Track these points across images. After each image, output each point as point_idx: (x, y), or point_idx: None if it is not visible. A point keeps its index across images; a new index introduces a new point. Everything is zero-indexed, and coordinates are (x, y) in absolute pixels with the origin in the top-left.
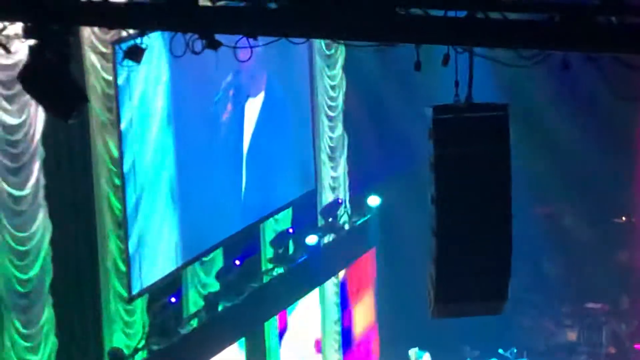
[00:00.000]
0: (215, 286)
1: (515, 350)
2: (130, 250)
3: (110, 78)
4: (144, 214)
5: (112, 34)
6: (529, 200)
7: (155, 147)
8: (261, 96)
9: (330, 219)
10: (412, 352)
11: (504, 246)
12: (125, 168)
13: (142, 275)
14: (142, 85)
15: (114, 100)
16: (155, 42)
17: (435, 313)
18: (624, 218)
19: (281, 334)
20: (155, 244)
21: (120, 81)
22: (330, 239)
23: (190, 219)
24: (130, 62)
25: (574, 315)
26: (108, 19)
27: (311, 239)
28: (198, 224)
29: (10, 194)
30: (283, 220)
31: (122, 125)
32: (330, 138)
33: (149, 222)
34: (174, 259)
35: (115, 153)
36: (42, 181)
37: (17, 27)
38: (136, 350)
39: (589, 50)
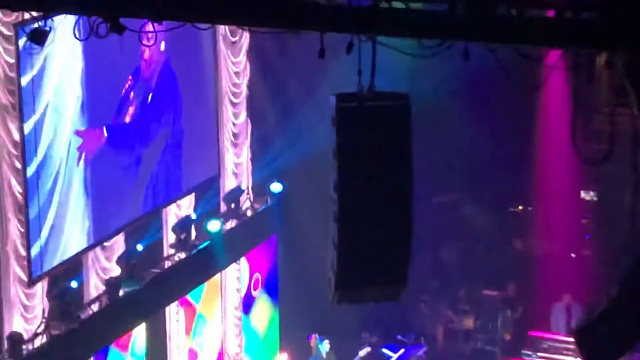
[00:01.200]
0: (116, 271)
1: (413, 336)
2: (32, 234)
3: (13, 61)
4: (54, 198)
5: (15, 16)
6: (429, 189)
7: (69, 131)
8: (165, 84)
9: (232, 205)
10: (313, 338)
11: (405, 233)
12: (38, 152)
13: (43, 260)
14: (55, 70)
15: (16, 83)
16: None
17: (336, 299)
18: (520, 207)
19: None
20: (60, 228)
21: (28, 65)
22: (233, 225)
23: (95, 203)
24: (34, 45)
25: (471, 302)
26: (11, 1)
27: (213, 225)
28: (102, 209)
29: None
30: (185, 206)
31: (35, 111)
32: (234, 124)
33: (58, 206)
34: (77, 243)
35: (17, 136)
36: None
37: None
38: (36, 335)
39: (489, 40)
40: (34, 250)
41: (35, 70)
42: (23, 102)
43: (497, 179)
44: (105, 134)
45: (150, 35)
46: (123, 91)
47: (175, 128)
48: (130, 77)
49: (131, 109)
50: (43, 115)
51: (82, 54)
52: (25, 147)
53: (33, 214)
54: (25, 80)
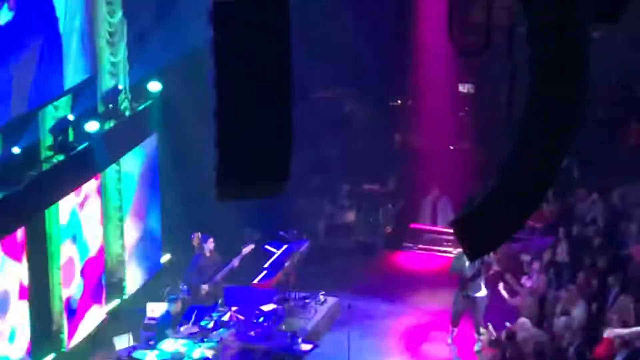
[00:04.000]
0: None
1: (295, 232)
2: None
3: None
4: None
5: None
6: (310, 84)
7: None
8: None
9: (110, 106)
10: (196, 237)
11: (284, 127)
12: None
13: None
14: None
15: None
16: None
17: (218, 196)
18: (399, 101)
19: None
20: None
21: None
22: (111, 125)
23: None
24: None
25: (352, 197)
26: None
27: (91, 126)
28: None
29: None
30: (62, 108)
31: None
32: (110, 23)
33: None
34: None
35: None
36: None
37: None
38: None
39: None
40: None
41: None
42: None
43: (377, 74)
44: None
45: None
46: None
47: (51, 29)
48: None
49: None
50: None
51: None
52: None
53: None
54: None
